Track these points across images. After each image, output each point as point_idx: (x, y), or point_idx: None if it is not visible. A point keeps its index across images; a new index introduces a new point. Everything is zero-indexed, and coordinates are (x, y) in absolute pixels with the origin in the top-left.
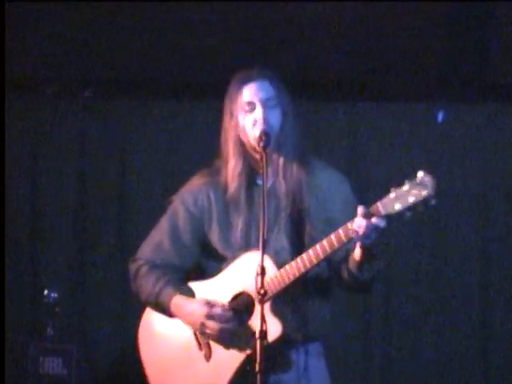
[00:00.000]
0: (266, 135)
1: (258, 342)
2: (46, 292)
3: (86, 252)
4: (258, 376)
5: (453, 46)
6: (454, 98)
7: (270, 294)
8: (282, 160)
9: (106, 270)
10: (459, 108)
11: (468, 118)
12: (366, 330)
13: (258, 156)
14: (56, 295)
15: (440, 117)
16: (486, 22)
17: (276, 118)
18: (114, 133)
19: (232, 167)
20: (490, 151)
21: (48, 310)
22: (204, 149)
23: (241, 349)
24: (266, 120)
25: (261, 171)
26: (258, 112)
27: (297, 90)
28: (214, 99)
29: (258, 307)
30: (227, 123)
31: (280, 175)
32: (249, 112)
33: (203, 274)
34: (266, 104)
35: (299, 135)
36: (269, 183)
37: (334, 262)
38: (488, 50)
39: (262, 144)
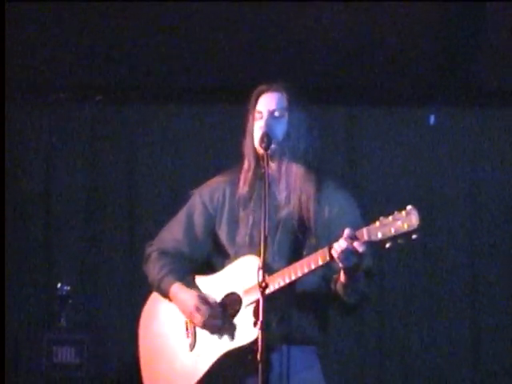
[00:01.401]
0: (266, 137)
1: (259, 333)
2: (59, 285)
3: (97, 247)
4: (260, 365)
5: (444, 53)
6: (446, 103)
7: (256, 297)
8: (284, 168)
9: (117, 264)
10: (450, 112)
11: (459, 121)
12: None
13: (264, 157)
14: (69, 288)
15: (432, 120)
16: (477, 29)
17: (280, 127)
18: (124, 135)
19: (245, 169)
20: (480, 153)
21: (61, 302)
22: (211, 151)
23: (222, 344)
24: (268, 127)
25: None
26: (262, 121)
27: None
28: (221, 103)
29: (243, 308)
30: (248, 127)
31: (284, 185)
32: (257, 120)
33: (212, 268)
34: (272, 114)
35: (308, 148)
36: (279, 194)
37: (328, 277)
38: (478, 55)
39: (263, 145)
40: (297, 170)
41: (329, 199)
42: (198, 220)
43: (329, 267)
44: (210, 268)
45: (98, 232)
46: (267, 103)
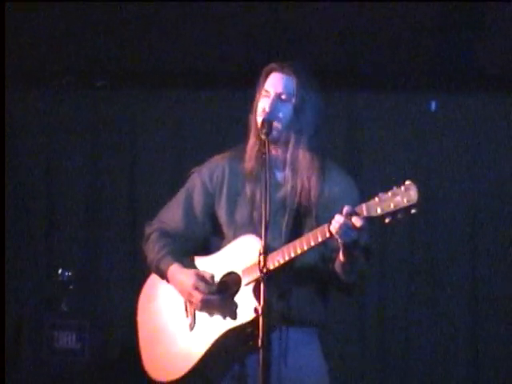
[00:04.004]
0: (267, 124)
1: (260, 319)
2: (60, 271)
3: (98, 232)
4: (261, 351)
5: (446, 38)
6: (447, 88)
7: (255, 276)
8: (289, 153)
9: (118, 250)
10: (452, 98)
11: (460, 107)
12: (361, 315)
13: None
14: (70, 273)
15: (433, 106)
16: (478, 14)
17: (285, 111)
18: (126, 120)
19: (250, 147)
20: (481, 139)
21: (62, 288)
22: (213, 136)
23: (221, 323)
24: (271, 107)
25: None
26: (268, 101)
27: None
28: (222, 88)
29: (243, 287)
30: (255, 104)
31: (287, 164)
32: (263, 97)
33: (209, 249)
34: (279, 96)
35: (314, 134)
36: (281, 173)
37: (327, 258)
38: (480, 41)
39: (263, 132)
40: (302, 156)
41: (330, 181)
42: (198, 199)
43: (326, 246)
44: (207, 249)
45: (99, 217)
46: (275, 84)
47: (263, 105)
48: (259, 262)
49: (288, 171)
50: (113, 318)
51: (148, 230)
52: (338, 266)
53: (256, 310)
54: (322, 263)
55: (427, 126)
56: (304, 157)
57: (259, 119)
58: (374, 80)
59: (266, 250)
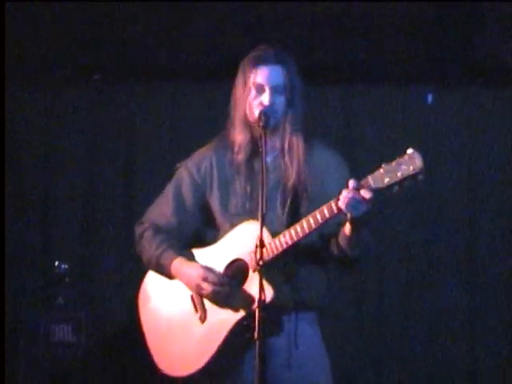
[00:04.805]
0: (264, 116)
1: (257, 311)
2: (56, 263)
3: (94, 225)
4: (257, 343)
5: (443, 31)
6: (444, 81)
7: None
8: (285, 138)
9: (114, 243)
10: (448, 91)
11: (457, 100)
12: (359, 299)
13: (257, 133)
14: (66, 266)
15: (429, 99)
16: (475, 6)
17: (281, 103)
18: (123, 114)
19: (238, 138)
20: (478, 131)
21: (59, 281)
22: (209, 130)
23: (234, 311)
24: (271, 103)
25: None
26: (266, 97)
27: None
28: (220, 83)
29: (251, 273)
30: (239, 94)
31: (283, 152)
32: (258, 93)
33: (203, 241)
34: (275, 90)
35: (304, 118)
36: (270, 158)
37: (325, 236)
38: (477, 33)
39: (261, 123)
40: (293, 140)
41: (317, 156)
42: (187, 192)
43: (325, 225)
44: (200, 241)
45: (95, 210)
46: (269, 77)
47: (260, 99)
48: (268, 244)
49: (278, 156)
50: (109, 311)
51: (139, 229)
52: (343, 241)
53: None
54: (320, 242)
55: (424, 119)
56: (295, 141)
57: (256, 112)
58: (370, 73)
59: (263, 243)
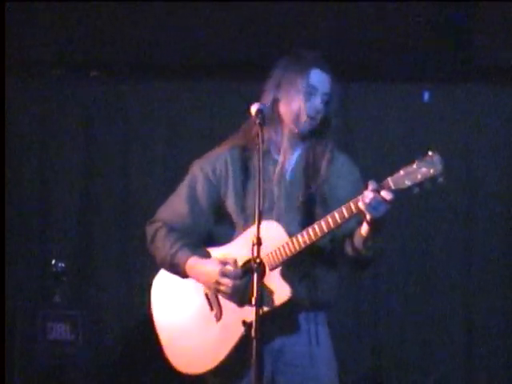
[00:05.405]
0: (261, 113)
1: (254, 309)
2: (53, 262)
3: (92, 223)
4: (254, 342)
5: (439, 29)
6: (440, 79)
7: (280, 260)
8: (316, 147)
9: (111, 241)
10: (445, 88)
11: (453, 98)
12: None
13: (295, 132)
14: (63, 265)
15: (426, 97)
16: (472, 4)
17: (324, 112)
18: (120, 111)
19: (264, 136)
20: (474, 130)
21: (56, 279)
22: (208, 128)
23: (251, 309)
24: (319, 111)
25: (276, 149)
26: (318, 101)
27: None
28: (216, 80)
29: (268, 272)
30: (289, 95)
31: (307, 157)
32: (308, 95)
33: (216, 241)
34: (323, 97)
35: (336, 125)
36: (292, 162)
37: (338, 237)
38: (474, 31)
39: (257, 121)
40: (324, 150)
41: (334, 165)
42: (201, 191)
43: (339, 227)
44: (212, 240)
45: (92, 208)
46: (323, 83)
47: (312, 103)
48: (285, 243)
49: (299, 162)
50: (106, 309)
51: (150, 229)
52: (358, 242)
53: (244, 323)
54: (334, 243)
55: (420, 116)
56: (322, 151)
57: (303, 116)
58: (367, 70)
59: (260, 241)
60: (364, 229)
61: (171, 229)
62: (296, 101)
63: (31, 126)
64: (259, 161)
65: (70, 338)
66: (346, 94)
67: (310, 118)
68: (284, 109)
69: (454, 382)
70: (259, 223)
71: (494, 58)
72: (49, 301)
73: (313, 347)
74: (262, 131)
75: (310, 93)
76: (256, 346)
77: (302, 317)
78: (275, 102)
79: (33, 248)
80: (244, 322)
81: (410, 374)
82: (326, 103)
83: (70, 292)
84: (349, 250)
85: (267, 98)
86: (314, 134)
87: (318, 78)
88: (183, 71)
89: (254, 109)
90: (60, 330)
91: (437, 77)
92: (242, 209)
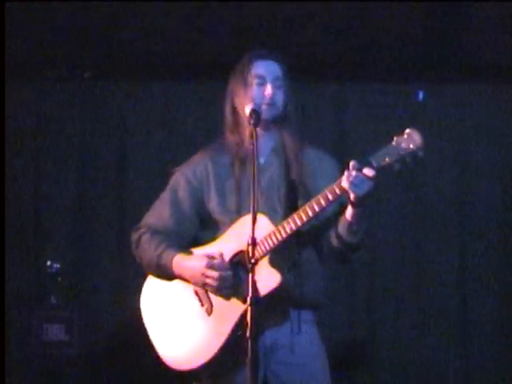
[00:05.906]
0: (255, 113)
1: (249, 308)
2: (48, 263)
3: (87, 224)
4: (249, 342)
5: (433, 28)
6: (434, 79)
7: (267, 248)
8: (284, 137)
9: (106, 242)
10: (439, 88)
11: (448, 97)
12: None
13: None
14: (58, 266)
15: (420, 96)
16: (465, 3)
17: (280, 97)
18: (114, 112)
19: (232, 138)
20: (469, 129)
21: (51, 280)
22: (202, 128)
23: (241, 300)
24: (273, 97)
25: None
26: (268, 88)
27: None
28: (211, 80)
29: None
30: (237, 91)
31: (279, 150)
32: (259, 85)
33: (200, 245)
34: (274, 83)
35: (297, 119)
36: (263, 158)
37: (323, 227)
38: (467, 30)
39: (252, 122)
40: (289, 139)
41: (310, 155)
42: (184, 195)
43: (317, 217)
44: (196, 246)
45: (87, 209)
46: (269, 70)
47: (261, 92)
48: (271, 232)
49: (272, 155)
50: (101, 310)
51: (136, 234)
52: (343, 228)
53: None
54: (316, 236)
55: (415, 116)
56: (294, 138)
57: (262, 99)
58: (362, 70)
59: (255, 242)
60: (348, 212)
61: (155, 232)
62: (248, 94)
63: (25, 127)
64: (253, 159)
65: (65, 339)
66: (340, 95)
67: (268, 104)
68: (241, 108)
69: (451, 375)
70: (254, 224)
71: (488, 56)
72: (44, 302)
73: (294, 336)
74: (256, 132)
75: (259, 83)
76: (251, 346)
77: (290, 308)
78: (234, 109)
79: (28, 249)
80: (237, 324)
81: (404, 370)
82: (280, 87)
83: (65, 293)
84: (334, 240)
85: (226, 109)
86: (281, 126)
87: (263, 67)
88: (179, 72)
89: (247, 110)
90: (55, 331)
91: (431, 76)
92: (225, 207)
